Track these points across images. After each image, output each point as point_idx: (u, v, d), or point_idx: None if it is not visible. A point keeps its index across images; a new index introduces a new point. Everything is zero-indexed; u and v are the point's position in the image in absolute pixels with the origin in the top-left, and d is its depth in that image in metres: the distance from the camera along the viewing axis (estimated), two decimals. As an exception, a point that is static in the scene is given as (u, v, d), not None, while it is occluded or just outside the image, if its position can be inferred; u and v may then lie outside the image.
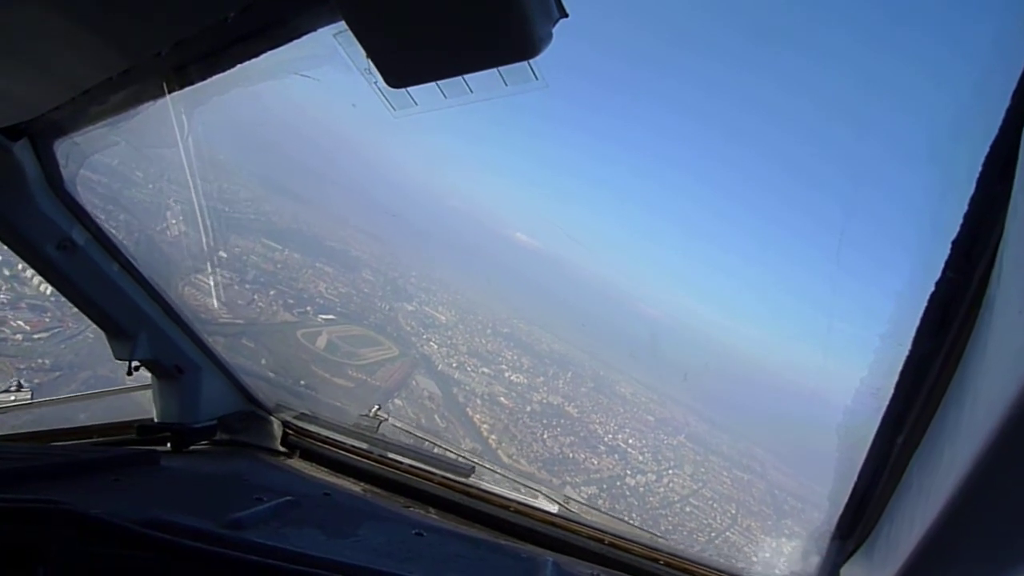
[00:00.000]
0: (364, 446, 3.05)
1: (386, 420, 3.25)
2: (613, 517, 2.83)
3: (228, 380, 3.02)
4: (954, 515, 0.99)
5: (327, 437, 3.09)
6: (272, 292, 16.40)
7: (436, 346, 18.49)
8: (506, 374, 18.33)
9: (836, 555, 1.98)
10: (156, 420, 2.89)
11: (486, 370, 18.07)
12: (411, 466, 2.93)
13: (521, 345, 19.92)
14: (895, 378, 1.41)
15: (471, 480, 2.88)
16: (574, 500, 2.89)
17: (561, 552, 2.49)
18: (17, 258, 2.24)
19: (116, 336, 2.59)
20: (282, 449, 3.11)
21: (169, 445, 2.85)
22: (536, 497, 2.83)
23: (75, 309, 2.56)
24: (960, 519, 0.99)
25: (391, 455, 2.99)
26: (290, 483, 2.66)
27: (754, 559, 2.42)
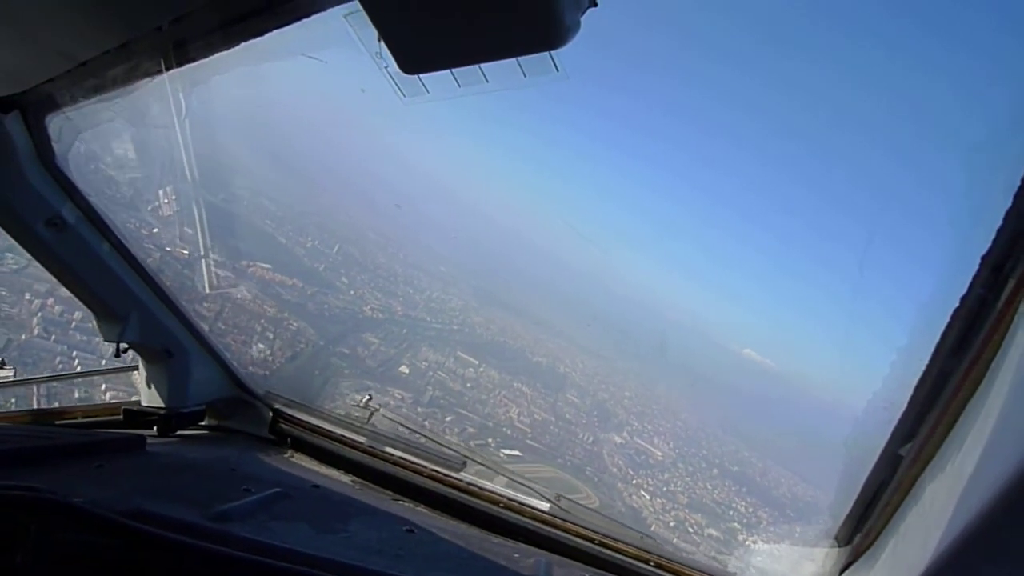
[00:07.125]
0: (355, 437, 3.00)
1: (378, 411, 3.20)
2: (604, 517, 2.81)
3: (218, 365, 2.96)
4: (979, 538, 0.96)
5: (317, 426, 3.04)
6: (449, 418, 13.20)
7: (648, 496, 13.86)
8: (739, 537, 13.29)
9: (833, 564, 1.96)
10: (143, 404, 2.84)
11: (713, 532, 13.29)
12: (402, 458, 2.89)
13: (756, 490, 15.13)
14: (910, 392, 1.38)
15: (462, 474, 2.85)
16: (565, 498, 2.86)
17: (551, 551, 2.47)
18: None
19: (105, 317, 2.53)
20: (271, 437, 3.06)
21: (156, 429, 2.80)
22: (528, 494, 2.80)
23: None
24: (985, 543, 0.96)
25: (382, 447, 2.95)
26: (279, 473, 2.62)
27: (746, 564, 2.40)
